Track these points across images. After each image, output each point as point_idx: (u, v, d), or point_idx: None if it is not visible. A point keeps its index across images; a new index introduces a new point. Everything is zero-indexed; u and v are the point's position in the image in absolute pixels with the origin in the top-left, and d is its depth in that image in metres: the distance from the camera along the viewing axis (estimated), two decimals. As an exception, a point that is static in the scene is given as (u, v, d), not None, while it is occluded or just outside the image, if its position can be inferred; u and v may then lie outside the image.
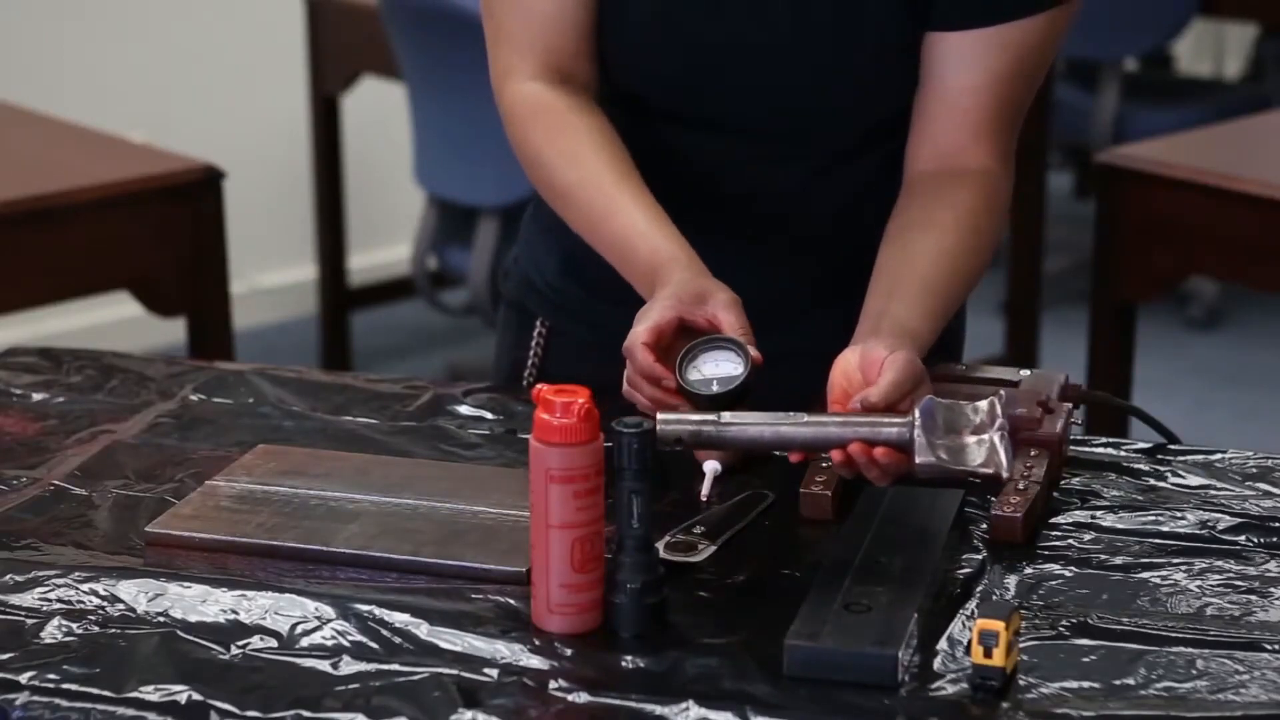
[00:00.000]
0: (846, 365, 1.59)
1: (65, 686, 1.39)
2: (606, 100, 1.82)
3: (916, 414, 1.49)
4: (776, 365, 1.62)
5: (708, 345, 1.59)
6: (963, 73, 1.74)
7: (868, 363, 1.57)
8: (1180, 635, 1.45)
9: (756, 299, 1.66)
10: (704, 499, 1.66)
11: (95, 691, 1.39)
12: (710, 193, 1.83)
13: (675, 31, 1.77)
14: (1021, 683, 1.39)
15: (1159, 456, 1.77)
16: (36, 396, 1.91)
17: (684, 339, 1.61)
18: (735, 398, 1.57)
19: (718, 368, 1.58)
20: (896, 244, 1.72)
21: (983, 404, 1.51)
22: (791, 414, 1.52)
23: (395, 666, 1.41)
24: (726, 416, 1.52)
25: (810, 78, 1.76)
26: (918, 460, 1.47)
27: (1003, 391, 1.54)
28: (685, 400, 1.58)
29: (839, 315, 1.76)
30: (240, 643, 1.45)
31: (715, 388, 1.57)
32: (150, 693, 1.38)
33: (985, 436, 1.49)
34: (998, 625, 1.37)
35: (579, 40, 1.79)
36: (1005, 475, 1.48)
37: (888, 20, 1.73)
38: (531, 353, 1.97)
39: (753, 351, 1.58)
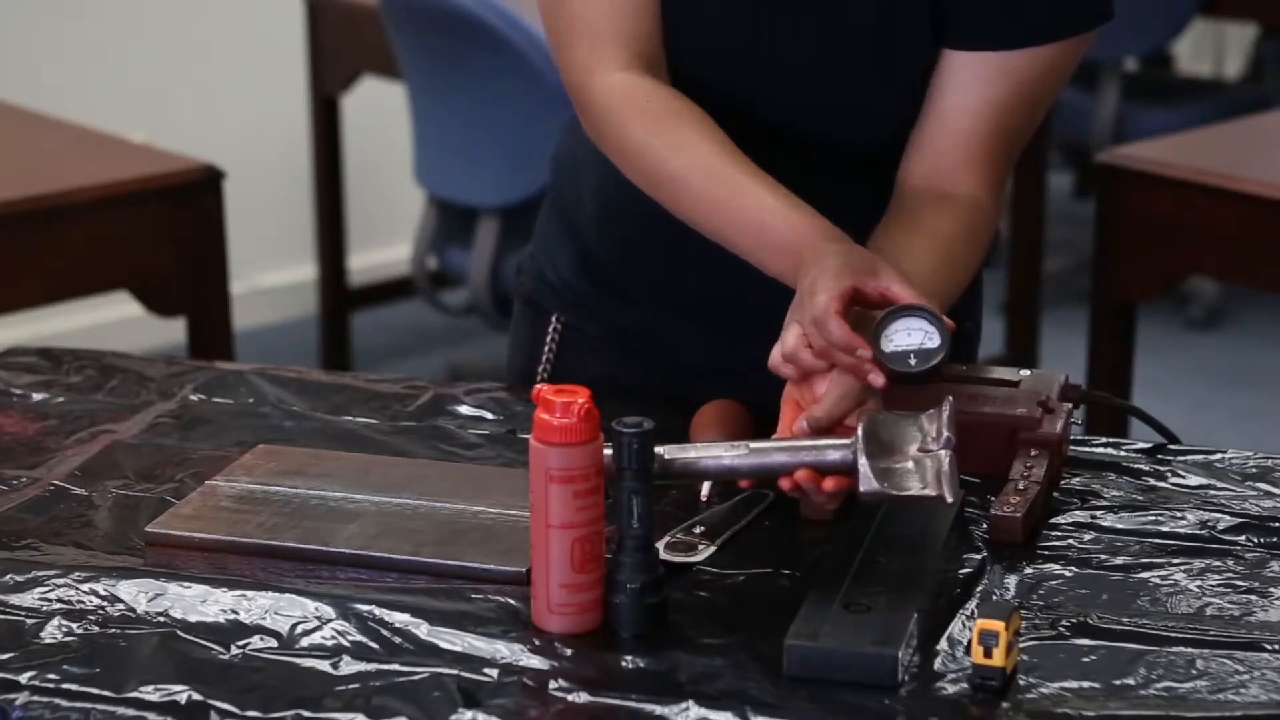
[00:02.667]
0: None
1: (65, 686, 1.39)
2: None
3: (860, 434, 1.48)
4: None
5: (897, 314, 1.55)
6: (963, 94, 1.73)
7: (819, 376, 1.57)
8: (1180, 635, 1.45)
9: (770, 304, 1.65)
10: (704, 499, 1.67)
11: (95, 691, 1.39)
12: None
13: (712, 50, 1.76)
14: (1021, 683, 1.39)
15: (1159, 456, 1.77)
16: (36, 396, 1.91)
17: (849, 310, 1.56)
18: (935, 371, 1.54)
19: (909, 338, 1.54)
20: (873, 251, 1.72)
21: (929, 415, 1.50)
22: (736, 444, 1.51)
23: (395, 666, 1.41)
24: (671, 450, 1.50)
25: (839, 96, 1.76)
26: (861, 489, 1.47)
27: (950, 399, 1.52)
28: (881, 371, 1.54)
29: None
30: (240, 643, 1.45)
31: (914, 361, 1.53)
32: (150, 693, 1.38)
33: (931, 455, 1.48)
34: (998, 625, 1.37)
35: (655, 24, 1.75)
36: (949, 499, 1.47)
37: (916, 44, 1.73)
38: (546, 350, 1.96)
39: (946, 320, 1.55)
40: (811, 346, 1.55)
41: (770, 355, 1.59)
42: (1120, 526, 1.63)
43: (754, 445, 1.51)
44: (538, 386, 1.46)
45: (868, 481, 1.46)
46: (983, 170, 1.75)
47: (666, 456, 1.49)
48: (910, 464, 1.48)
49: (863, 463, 1.46)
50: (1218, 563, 1.57)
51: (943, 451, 1.47)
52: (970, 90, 1.73)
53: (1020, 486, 1.62)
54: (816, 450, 1.50)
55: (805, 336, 1.56)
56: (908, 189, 1.76)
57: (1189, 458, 1.77)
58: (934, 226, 1.71)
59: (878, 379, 1.53)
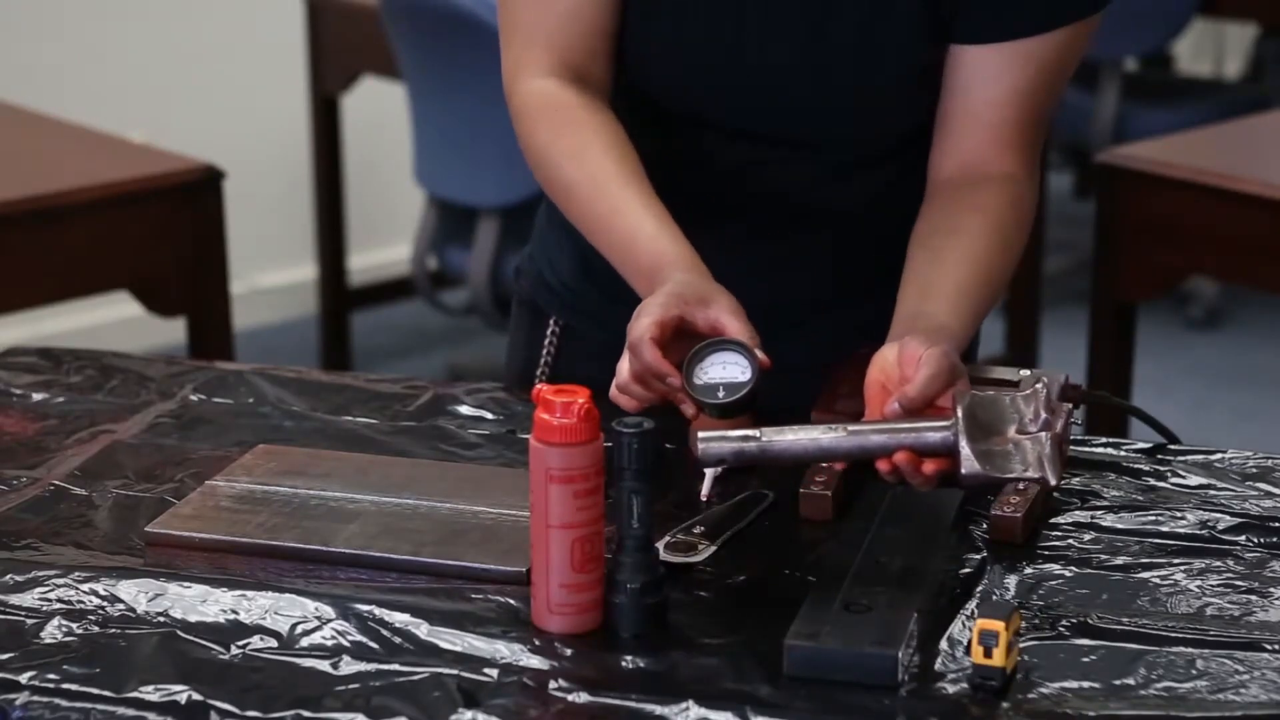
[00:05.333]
0: (884, 362, 1.59)
1: (65, 686, 1.39)
2: (624, 99, 1.81)
3: (959, 414, 1.48)
4: (785, 372, 1.61)
5: (714, 348, 1.56)
6: (987, 87, 1.74)
7: (905, 359, 1.57)
8: (1180, 635, 1.45)
9: (769, 303, 1.66)
10: (704, 499, 1.67)
11: (95, 691, 1.39)
12: (726, 194, 1.83)
13: (697, 46, 1.76)
14: (1021, 683, 1.39)
15: (1159, 456, 1.77)
16: (36, 396, 1.91)
17: (682, 341, 1.59)
18: (742, 406, 1.55)
19: (724, 371, 1.56)
20: (926, 249, 1.72)
21: (1025, 397, 1.50)
22: (833, 425, 1.51)
23: (395, 666, 1.41)
24: (768, 433, 1.50)
25: (830, 96, 1.76)
26: (963, 471, 1.47)
27: (1045, 380, 1.51)
28: (691, 402, 1.56)
29: (849, 322, 1.76)
30: (240, 643, 1.45)
31: (722, 394, 1.55)
32: (150, 693, 1.38)
33: (1032, 437, 1.49)
34: (998, 625, 1.37)
35: (595, 39, 1.78)
36: (1053, 482, 1.47)
37: (908, 43, 1.73)
38: (544, 351, 1.96)
39: (760, 355, 1.56)
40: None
41: (610, 388, 1.60)
42: (1120, 526, 1.63)
43: (852, 427, 1.51)
44: (538, 386, 1.46)
45: (970, 464, 1.46)
46: (1016, 153, 1.76)
47: (764, 439, 1.49)
48: (1010, 446, 1.48)
49: (964, 445, 1.46)
50: (1218, 563, 1.57)
51: (1044, 434, 1.48)
52: (994, 82, 1.73)
53: (1020, 486, 1.62)
54: (916, 432, 1.50)
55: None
56: (943, 181, 1.76)
57: (1189, 458, 1.77)
58: (981, 205, 1.73)
59: (688, 410, 1.56)
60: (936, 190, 1.77)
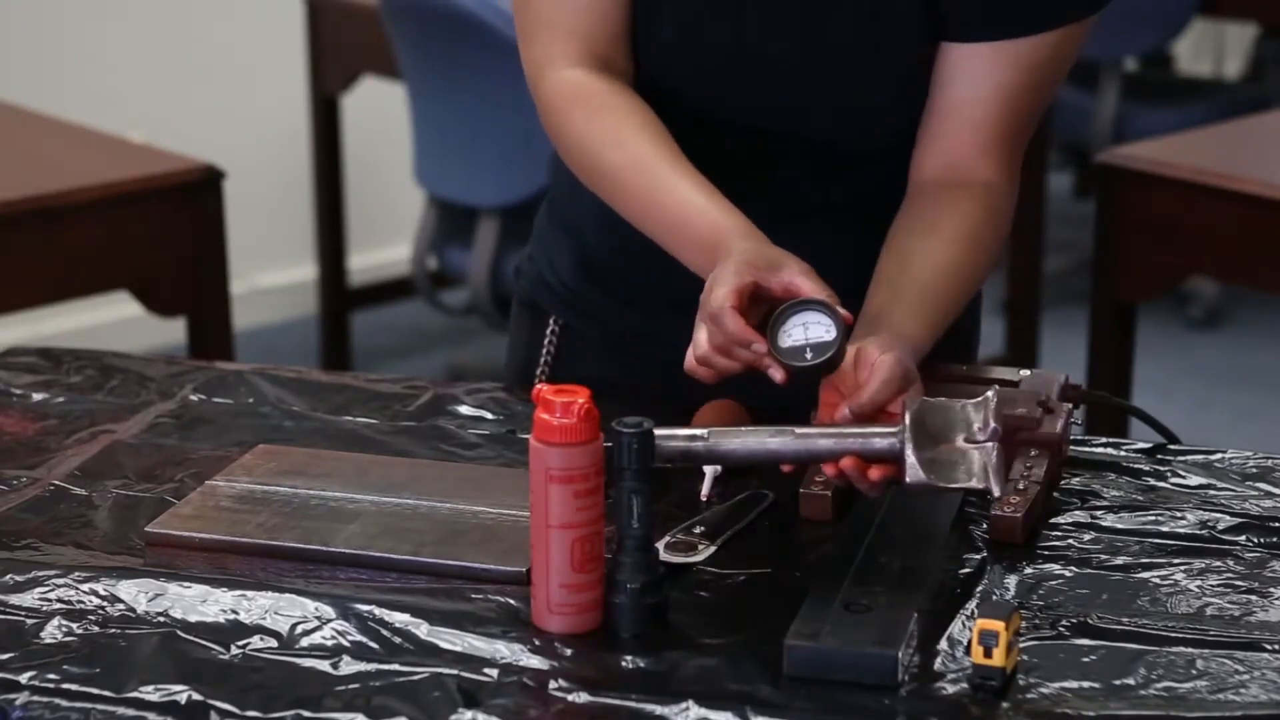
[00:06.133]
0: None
1: (65, 686, 1.39)
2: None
3: (907, 422, 1.48)
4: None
5: (794, 309, 1.54)
6: (972, 85, 1.74)
7: (861, 363, 1.57)
8: (1180, 635, 1.45)
9: None
10: (704, 499, 1.67)
11: (95, 691, 1.39)
12: (725, 190, 1.82)
13: (700, 41, 1.76)
14: (1021, 683, 1.39)
15: (1159, 456, 1.77)
16: (36, 396, 1.91)
17: (756, 307, 1.56)
18: (832, 365, 1.54)
19: (806, 331, 1.54)
20: (897, 251, 1.72)
21: (975, 405, 1.50)
22: (781, 428, 1.51)
23: (395, 666, 1.41)
24: (715, 434, 1.50)
25: (830, 95, 1.76)
26: (908, 479, 1.47)
27: (994, 390, 1.52)
28: (779, 367, 1.54)
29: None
30: (240, 643, 1.45)
31: (810, 355, 1.53)
32: (150, 693, 1.38)
33: (980, 446, 1.48)
34: (998, 625, 1.37)
35: (618, 27, 1.77)
36: (997, 493, 1.47)
37: (907, 42, 1.73)
38: (544, 351, 1.96)
39: (843, 311, 1.54)
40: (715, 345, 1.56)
41: (685, 358, 1.59)
42: (1120, 526, 1.63)
43: (799, 431, 1.51)
44: (538, 386, 1.46)
45: (914, 472, 1.46)
46: (998, 155, 1.76)
47: (711, 440, 1.49)
48: (957, 455, 1.48)
49: (910, 453, 1.46)
50: (1218, 563, 1.57)
51: (990, 444, 1.47)
52: (979, 81, 1.73)
53: (1020, 486, 1.62)
54: (863, 438, 1.49)
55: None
56: (924, 181, 1.76)
57: (1189, 458, 1.77)
58: (957, 212, 1.73)
59: (778, 374, 1.54)
60: (915, 191, 1.77)
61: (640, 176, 1.72)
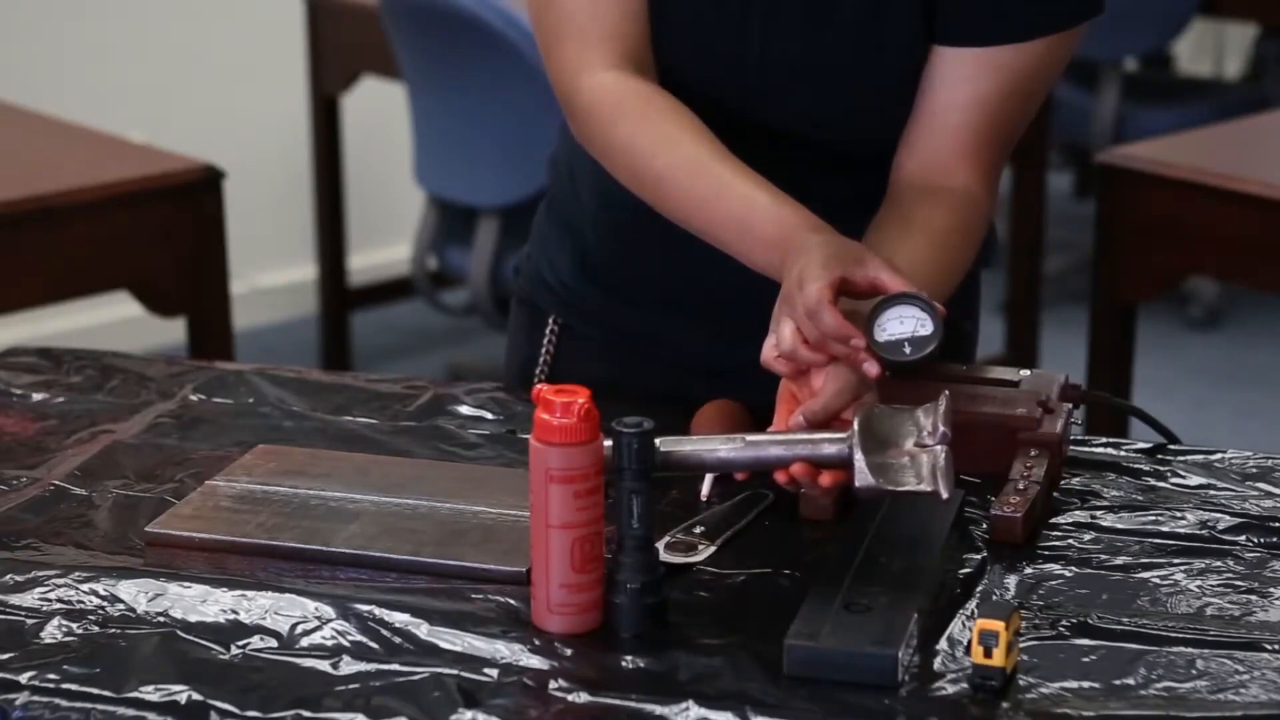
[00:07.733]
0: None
1: (65, 686, 1.39)
2: None
3: (855, 428, 1.48)
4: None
5: (888, 304, 1.54)
6: (954, 89, 1.74)
7: (816, 370, 1.57)
8: (1180, 635, 1.45)
9: (768, 299, 1.65)
10: (704, 499, 1.67)
11: (95, 691, 1.39)
12: None
13: (702, 45, 1.76)
14: (1021, 683, 1.39)
15: (1159, 456, 1.77)
16: (36, 396, 1.91)
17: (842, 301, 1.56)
18: (931, 358, 1.53)
19: (902, 325, 1.54)
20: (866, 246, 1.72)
21: (925, 410, 1.50)
22: (732, 436, 1.52)
23: (395, 666, 1.41)
24: (667, 443, 1.49)
25: (830, 95, 1.76)
26: (857, 483, 1.47)
27: (946, 393, 1.52)
28: (876, 361, 1.53)
29: None
30: (240, 643, 1.45)
31: (909, 349, 1.53)
32: (150, 693, 1.38)
33: (927, 450, 1.48)
34: (998, 625, 1.37)
35: (646, 24, 1.76)
36: (945, 495, 1.47)
37: (907, 43, 1.73)
38: (543, 351, 1.96)
39: (938, 305, 1.54)
40: (806, 340, 1.55)
41: (763, 351, 1.59)
42: (1120, 526, 1.64)
43: (750, 438, 1.51)
44: (538, 386, 1.46)
45: (863, 476, 1.46)
46: (976, 163, 1.75)
47: (664, 449, 1.49)
48: (906, 459, 1.48)
49: (859, 457, 1.46)
50: (1218, 563, 1.57)
51: (939, 447, 1.47)
52: (961, 86, 1.73)
53: (1020, 486, 1.62)
54: (812, 444, 1.50)
55: (800, 331, 1.56)
56: (901, 184, 1.76)
57: (1189, 458, 1.77)
58: (928, 220, 1.72)
59: (873, 368, 1.53)
60: (892, 192, 1.76)
61: (696, 178, 1.70)
